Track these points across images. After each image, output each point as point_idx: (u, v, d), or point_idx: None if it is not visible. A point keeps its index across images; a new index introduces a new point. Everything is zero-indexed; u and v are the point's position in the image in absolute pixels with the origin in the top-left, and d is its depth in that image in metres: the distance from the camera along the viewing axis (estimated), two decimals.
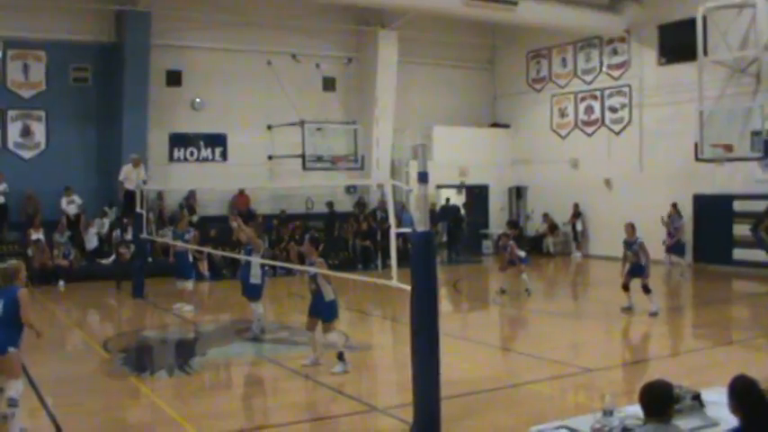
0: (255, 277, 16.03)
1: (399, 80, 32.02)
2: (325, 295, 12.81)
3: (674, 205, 26.91)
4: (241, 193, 29.36)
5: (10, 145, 27.07)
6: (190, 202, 28.61)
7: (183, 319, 18.81)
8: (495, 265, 25.85)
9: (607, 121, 31.45)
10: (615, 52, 31.09)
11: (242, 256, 16.91)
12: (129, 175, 22.90)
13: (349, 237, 29.85)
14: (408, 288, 9.48)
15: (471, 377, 12.53)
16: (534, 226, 34.11)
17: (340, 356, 12.80)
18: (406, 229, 10.95)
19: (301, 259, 14.01)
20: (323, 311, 12.91)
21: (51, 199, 26.58)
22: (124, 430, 10.54)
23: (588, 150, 32.08)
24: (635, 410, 6.36)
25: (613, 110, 31.19)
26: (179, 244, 20.45)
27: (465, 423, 10.20)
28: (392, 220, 11.21)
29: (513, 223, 25.64)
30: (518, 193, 35.30)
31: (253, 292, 16.12)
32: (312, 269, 12.92)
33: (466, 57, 35.32)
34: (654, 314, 17.84)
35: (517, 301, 21.34)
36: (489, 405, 11.14)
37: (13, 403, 9.30)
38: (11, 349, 9.37)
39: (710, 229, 27.08)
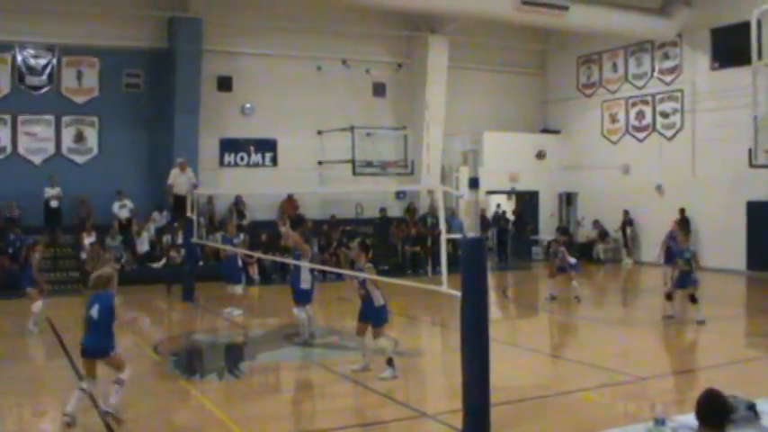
0: (305, 282, 16.04)
1: (449, 85, 32.04)
2: (375, 300, 12.80)
3: (682, 211, 27.05)
4: (289, 197, 29.45)
5: (64, 150, 27.51)
6: (239, 207, 28.81)
7: (233, 323, 18.93)
8: (544, 271, 25.68)
9: (658, 127, 31.17)
10: (667, 57, 30.81)
11: (291, 261, 16.90)
12: (177, 180, 23.07)
13: (398, 242, 29.82)
14: (459, 294, 9.46)
15: (520, 384, 12.45)
16: (584, 232, 33.88)
17: (389, 362, 12.75)
18: (457, 235, 10.92)
19: (352, 264, 14.01)
20: (373, 317, 12.90)
21: (103, 203, 26.97)
22: None
23: (639, 156, 31.81)
24: (687, 420, 6.28)
25: (665, 115, 30.89)
26: (228, 248, 20.59)
27: (514, 430, 10.14)
28: (443, 225, 11.20)
29: (563, 230, 25.47)
30: (568, 199, 35.13)
31: (302, 297, 16.12)
32: (361, 275, 12.92)
33: (516, 62, 35.25)
34: (701, 322, 17.56)
35: (567, 307, 21.21)
36: (539, 412, 11.08)
37: (119, 382, 10.41)
38: (112, 352, 10.45)
39: (764, 236, 26.68)
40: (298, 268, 16.16)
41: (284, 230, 18.12)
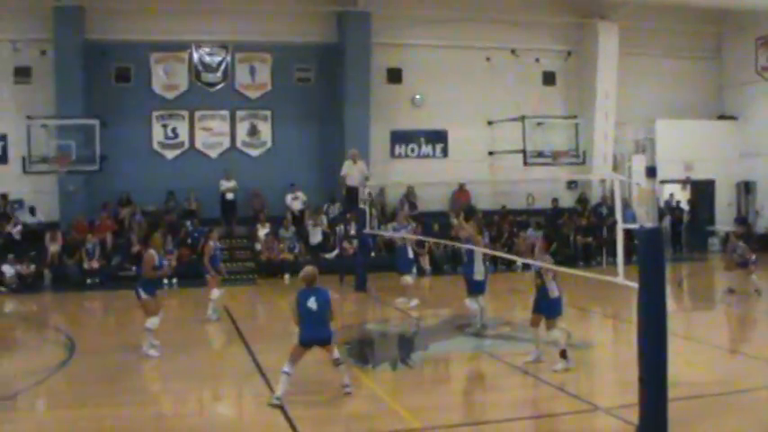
0: (479, 274, 16.04)
1: (620, 72, 31.39)
2: (551, 292, 12.72)
3: None
4: (461, 188, 29.50)
5: (238, 144, 28.50)
6: (410, 197, 29.07)
7: (405, 313, 19.12)
8: (720, 263, 24.86)
9: None
10: None
11: (466, 245, 16.81)
12: (350, 171, 23.47)
13: (570, 233, 29.45)
14: (635, 285, 9.28)
15: (698, 380, 12.10)
16: (764, 223, 32.62)
17: (563, 354, 12.64)
18: (633, 225, 10.74)
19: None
20: (547, 308, 12.83)
21: (277, 195, 27.80)
22: (347, 420, 10.85)
23: None
24: None
25: None
26: (398, 237, 20.86)
27: (692, 428, 9.89)
28: (618, 215, 11.03)
29: (741, 220, 24.69)
30: (746, 188, 33.87)
31: (476, 289, 16.14)
32: (539, 263, 12.84)
33: (690, 46, 34.10)
34: None
35: (746, 301, 20.49)
36: (718, 410, 10.74)
37: (339, 362, 11.43)
38: (332, 339, 11.44)
39: None
40: (471, 259, 16.17)
41: (457, 223, 18.15)
